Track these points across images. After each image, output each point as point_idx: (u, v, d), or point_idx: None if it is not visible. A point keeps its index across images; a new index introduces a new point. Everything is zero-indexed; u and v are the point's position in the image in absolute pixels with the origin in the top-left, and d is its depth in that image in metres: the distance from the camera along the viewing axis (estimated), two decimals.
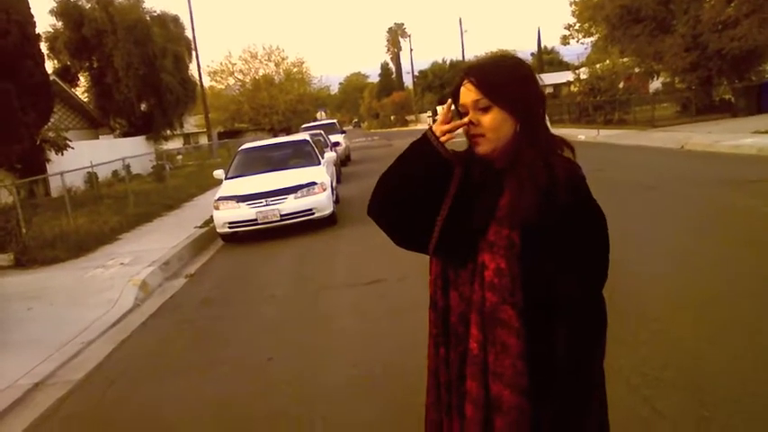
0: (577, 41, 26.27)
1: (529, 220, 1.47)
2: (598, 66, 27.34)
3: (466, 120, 1.54)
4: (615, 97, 24.82)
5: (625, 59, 25.89)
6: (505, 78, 1.53)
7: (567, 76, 33.47)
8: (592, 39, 25.95)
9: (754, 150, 12.20)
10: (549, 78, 29.39)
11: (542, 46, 59.53)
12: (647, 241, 6.61)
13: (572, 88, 31.28)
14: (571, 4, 24.84)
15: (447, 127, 1.56)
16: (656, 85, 28.73)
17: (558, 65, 55.47)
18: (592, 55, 30.55)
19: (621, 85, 26.05)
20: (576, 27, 25.32)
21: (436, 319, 1.65)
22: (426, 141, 1.58)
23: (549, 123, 1.67)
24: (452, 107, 1.59)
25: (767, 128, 14.35)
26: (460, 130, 1.59)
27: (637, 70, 25.87)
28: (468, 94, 1.53)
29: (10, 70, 15.10)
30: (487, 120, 1.51)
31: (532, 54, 58.39)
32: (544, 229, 1.47)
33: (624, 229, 6.76)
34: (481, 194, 1.57)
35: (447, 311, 1.61)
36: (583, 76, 27.22)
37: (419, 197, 1.58)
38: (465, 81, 1.55)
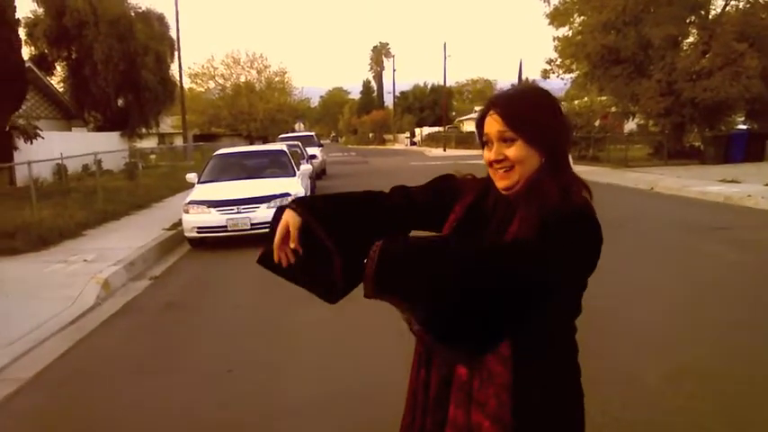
0: (558, 76, 26.61)
1: None
2: (576, 102, 27.83)
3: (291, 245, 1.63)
4: (591, 134, 25.26)
5: (603, 98, 26.41)
6: (530, 110, 1.50)
7: None
8: (572, 75, 26.34)
9: (720, 198, 12.52)
10: None
11: (523, 78, 60.45)
12: (611, 279, 6.67)
13: None
14: (554, 40, 25.31)
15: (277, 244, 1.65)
16: (631, 125, 29.32)
17: None
18: (571, 91, 31.00)
19: (597, 122, 26.52)
20: (558, 63, 25.69)
21: None
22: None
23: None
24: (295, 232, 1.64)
25: (733, 177, 14.76)
26: (485, 160, 1.54)
27: (614, 110, 26.38)
28: (492, 124, 1.50)
29: None
30: (512, 152, 1.48)
31: (513, 85, 59.28)
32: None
33: None
34: (491, 222, 1.56)
35: None
36: None
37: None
38: (490, 111, 1.52)
